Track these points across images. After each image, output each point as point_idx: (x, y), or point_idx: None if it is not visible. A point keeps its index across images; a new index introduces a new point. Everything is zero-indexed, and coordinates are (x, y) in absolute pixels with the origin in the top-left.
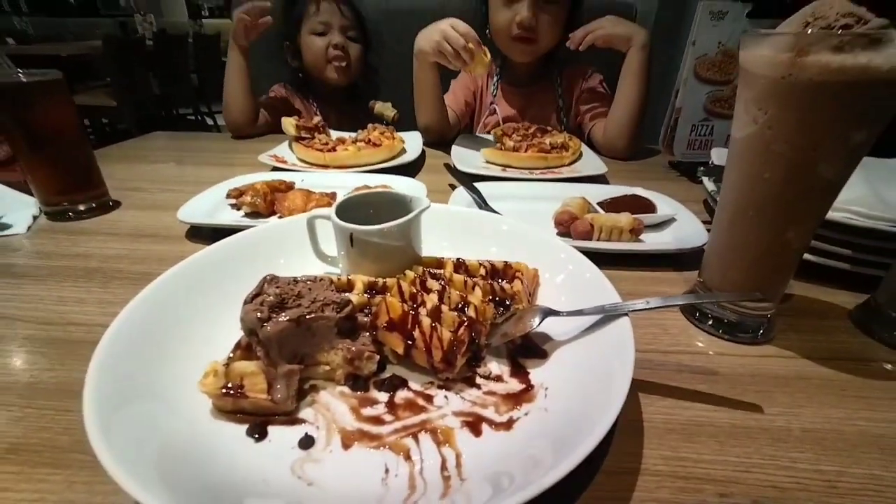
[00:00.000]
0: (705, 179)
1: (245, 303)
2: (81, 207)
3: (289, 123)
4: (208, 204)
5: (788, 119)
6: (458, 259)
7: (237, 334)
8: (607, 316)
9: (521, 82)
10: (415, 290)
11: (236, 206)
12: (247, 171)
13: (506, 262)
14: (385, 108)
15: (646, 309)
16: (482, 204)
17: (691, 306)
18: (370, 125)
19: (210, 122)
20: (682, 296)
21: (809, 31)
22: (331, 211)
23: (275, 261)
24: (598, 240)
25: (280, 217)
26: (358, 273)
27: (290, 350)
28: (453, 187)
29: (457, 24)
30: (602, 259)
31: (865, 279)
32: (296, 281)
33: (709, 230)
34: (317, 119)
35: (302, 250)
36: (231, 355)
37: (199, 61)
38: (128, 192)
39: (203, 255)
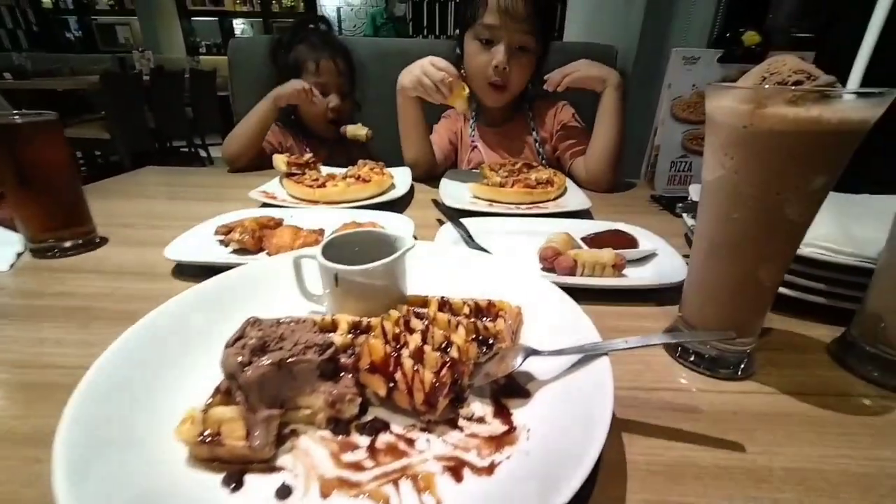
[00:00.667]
0: (685, 215)
1: (226, 346)
2: (67, 244)
3: (280, 160)
4: (196, 241)
5: (753, 165)
6: (442, 297)
7: (219, 377)
8: (588, 355)
9: (495, 122)
10: (398, 331)
11: (224, 243)
12: (237, 206)
13: (489, 300)
14: (357, 130)
15: (626, 349)
16: (469, 240)
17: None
18: (360, 161)
19: (203, 153)
20: (659, 335)
21: (766, 86)
22: (316, 250)
23: (260, 300)
24: (582, 275)
25: (268, 254)
26: (343, 312)
27: (271, 394)
28: (441, 222)
29: (436, 61)
30: (585, 294)
31: (841, 312)
32: (279, 323)
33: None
34: (307, 156)
35: (288, 289)
36: (210, 400)
37: (195, 96)
38: (116, 229)
39: (186, 296)
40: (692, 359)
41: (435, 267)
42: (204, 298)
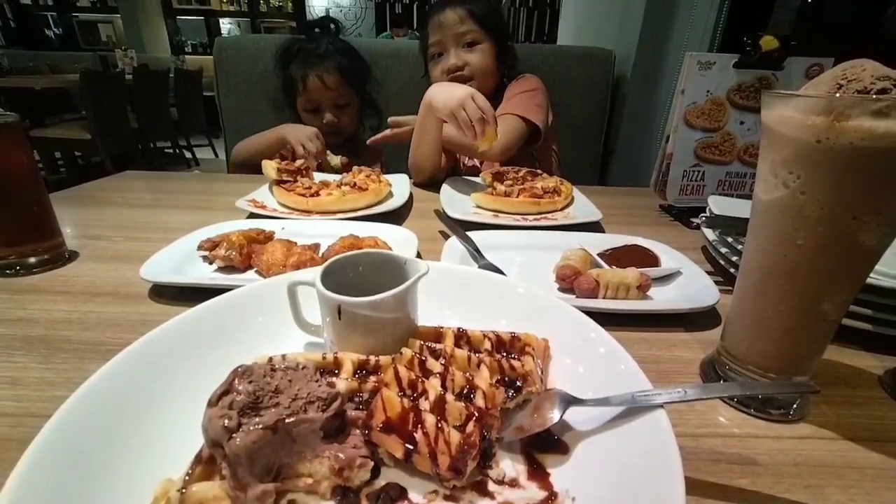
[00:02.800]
0: (706, 230)
1: (209, 404)
2: (32, 260)
3: (269, 166)
4: (177, 256)
5: (825, 184)
6: (458, 329)
7: (200, 441)
8: (638, 406)
9: None
10: (413, 376)
11: (209, 260)
12: (223, 216)
13: (513, 333)
14: (330, 159)
15: (682, 401)
16: (477, 256)
17: (713, 371)
18: (355, 168)
19: (188, 154)
20: (723, 385)
21: (844, 95)
22: (315, 276)
23: (250, 332)
24: (605, 297)
25: (257, 272)
26: (346, 348)
27: (264, 464)
28: (444, 235)
29: (477, 97)
30: (608, 318)
31: (890, 340)
32: (273, 370)
33: (716, 283)
34: (299, 162)
35: (282, 316)
36: (189, 472)
37: (180, 96)
38: (88, 241)
39: (162, 333)
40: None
41: (445, 290)
42: (184, 335)
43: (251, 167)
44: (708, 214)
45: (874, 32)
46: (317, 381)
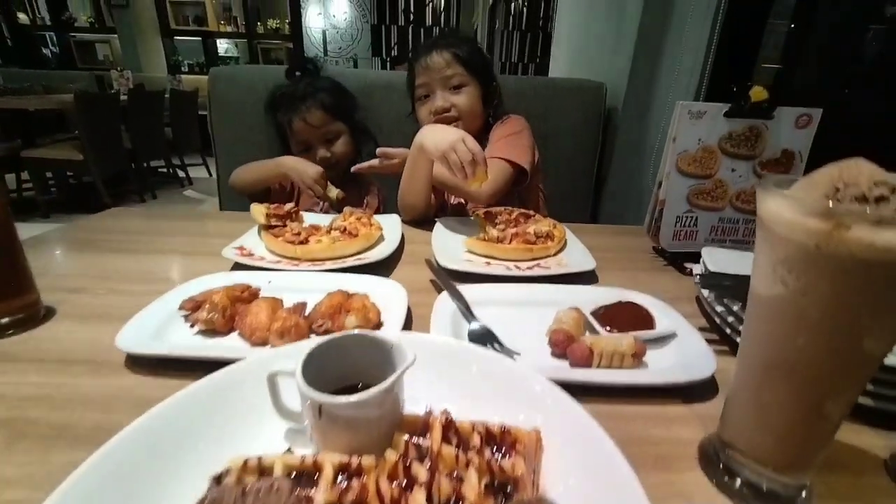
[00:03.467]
0: (704, 291)
1: None
2: (5, 321)
3: (258, 211)
4: (159, 316)
5: (826, 290)
6: (446, 419)
7: None
8: None
9: None
10: (397, 492)
11: (191, 322)
12: (210, 264)
13: (503, 426)
14: (329, 191)
15: None
16: (468, 315)
17: (715, 457)
18: (346, 209)
19: (182, 174)
20: None
21: (842, 201)
22: (297, 365)
23: (227, 422)
24: (599, 366)
25: (240, 335)
26: (328, 444)
27: None
28: (435, 285)
29: (467, 139)
30: (602, 389)
31: (892, 416)
32: (244, 495)
33: (712, 341)
34: (289, 206)
35: (259, 402)
36: None
37: (175, 116)
38: (66, 295)
39: (131, 436)
40: (738, 486)
41: (434, 365)
42: (155, 434)
43: (250, 193)
44: (702, 271)
45: (856, 57)
46: (293, 499)
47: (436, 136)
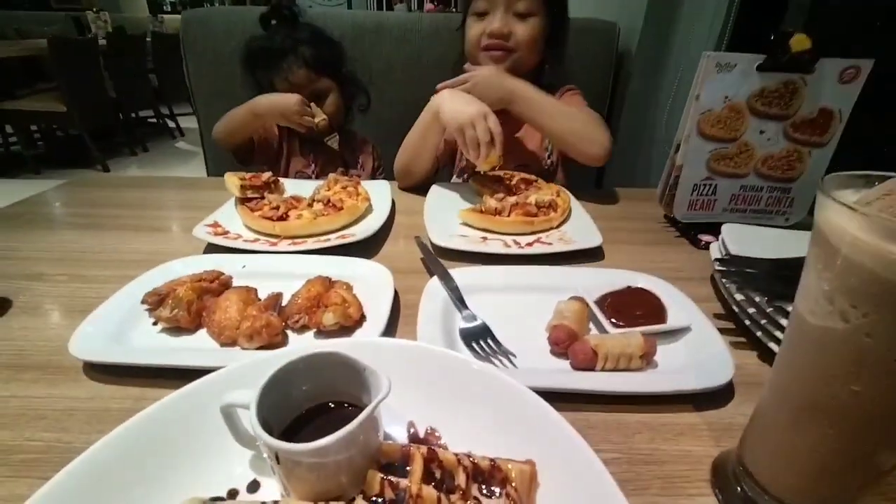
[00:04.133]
0: (725, 281)
1: None
2: None
3: (232, 181)
4: (119, 312)
5: None
6: (429, 449)
7: None
8: None
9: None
10: None
11: (155, 318)
12: (182, 243)
13: (492, 461)
14: (317, 115)
15: None
16: (460, 306)
17: (734, 481)
18: (331, 175)
19: (172, 124)
20: None
21: None
22: (252, 400)
23: (189, 454)
24: (604, 368)
25: (208, 333)
26: (293, 487)
27: None
28: (426, 265)
29: (489, 117)
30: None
31: None
32: None
33: (728, 331)
34: (266, 174)
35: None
36: None
37: (159, 61)
38: (24, 284)
39: (84, 467)
40: None
41: (418, 378)
42: (114, 465)
43: (235, 147)
44: (721, 253)
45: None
46: None
47: (455, 105)
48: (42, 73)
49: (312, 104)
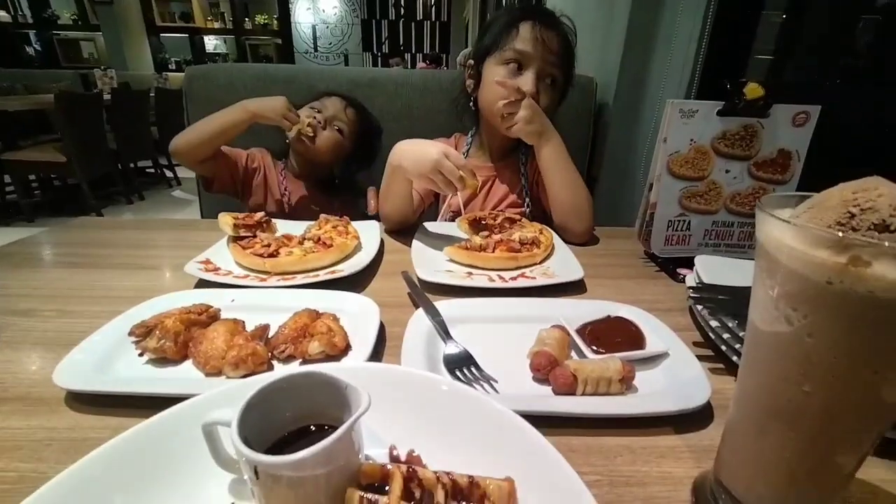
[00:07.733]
0: (699, 307)
1: None
2: None
3: (225, 221)
4: (106, 344)
5: (838, 332)
6: (409, 468)
7: None
8: None
9: (491, 157)
10: None
11: (141, 350)
12: (173, 280)
13: (471, 478)
14: (302, 119)
15: None
16: (445, 336)
17: (712, 498)
18: (322, 217)
19: (169, 174)
20: None
21: (859, 230)
22: (234, 416)
23: (165, 478)
24: (584, 393)
25: (194, 364)
26: None
27: None
28: (412, 299)
29: (450, 153)
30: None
31: None
32: None
33: (706, 357)
34: (259, 214)
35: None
36: None
37: (161, 115)
38: (13, 320)
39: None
40: None
41: (397, 402)
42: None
43: (200, 158)
44: (696, 282)
45: (849, 48)
46: None
47: (414, 156)
48: (45, 125)
49: (301, 112)
